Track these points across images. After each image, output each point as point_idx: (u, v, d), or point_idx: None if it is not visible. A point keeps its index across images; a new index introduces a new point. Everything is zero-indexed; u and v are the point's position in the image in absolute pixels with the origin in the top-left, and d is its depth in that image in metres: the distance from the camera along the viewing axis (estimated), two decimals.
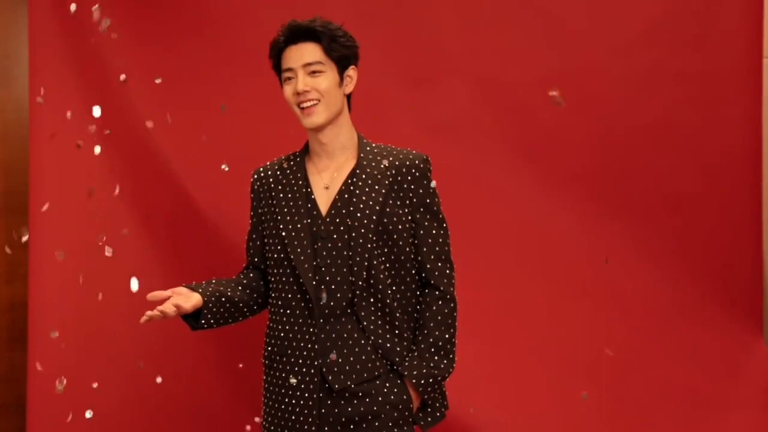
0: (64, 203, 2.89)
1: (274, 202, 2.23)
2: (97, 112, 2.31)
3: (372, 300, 2.15)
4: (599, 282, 3.09)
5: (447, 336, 2.18)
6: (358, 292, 2.13)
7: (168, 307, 2.07)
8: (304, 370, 2.15)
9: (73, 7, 2.58)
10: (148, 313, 2.06)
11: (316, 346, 2.14)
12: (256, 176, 2.32)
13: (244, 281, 2.30)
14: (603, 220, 3.09)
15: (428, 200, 2.20)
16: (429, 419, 2.22)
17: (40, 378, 2.75)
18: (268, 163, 2.32)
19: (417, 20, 3.06)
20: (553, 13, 3.09)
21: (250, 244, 2.34)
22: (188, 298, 2.13)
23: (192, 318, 2.19)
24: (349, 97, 2.26)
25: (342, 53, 2.18)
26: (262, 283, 2.32)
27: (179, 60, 2.99)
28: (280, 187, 2.24)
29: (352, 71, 2.22)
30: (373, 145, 2.25)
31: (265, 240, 2.26)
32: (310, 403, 2.13)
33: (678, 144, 3.07)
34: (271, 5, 2.90)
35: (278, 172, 2.27)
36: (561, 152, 3.10)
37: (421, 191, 2.19)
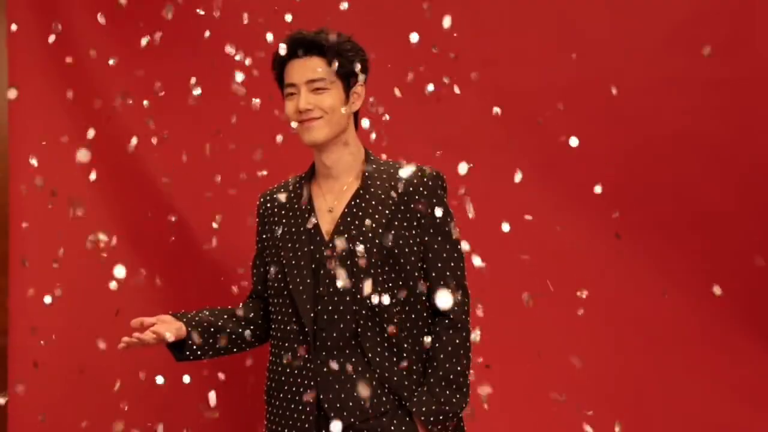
0: (44, 205, 2.87)
1: (276, 227, 2.20)
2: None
3: (378, 330, 2.07)
4: (619, 305, 3.02)
5: (459, 368, 2.09)
6: (362, 322, 2.07)
7: (147, 335, 2.04)
8: (299, 407, 2.10)
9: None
10: (125, 339, 2.04)
11: (315, 381, 2.08)
12: (261, 200, 2.31)
13: (241, 313, 2.25)
14: (624, 238, 2.99)
15: (438, 220, 2.12)
16: None
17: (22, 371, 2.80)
18: (274, 186, 2.30)
19: (427, 27, 2.89)
20: (571, 19, 3.04)
21: (254, 270, 2.32)
22: (171, 327, 2.09)
23: (177, 348, 2.14)
24: (356, 114, 2.21)
25: (349, 69, 2.13)
26: (262, 314, 2.28)
27: (170, 69, 2.94)
28: (283, 212, 2.21)
29: (359, 88, 2.18)
30: (381, 161, 2.21)
31: (268, 267, 2.22)
32: None
33: (705, 157, 3.00)
34: (274, 18, 2.77)
35: (283, 196, 2.24)
36: (579, 166, 3.04)
37: (430, 210, 2.12)
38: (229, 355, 2.22)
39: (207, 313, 2.20)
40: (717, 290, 2.49)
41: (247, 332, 2.23)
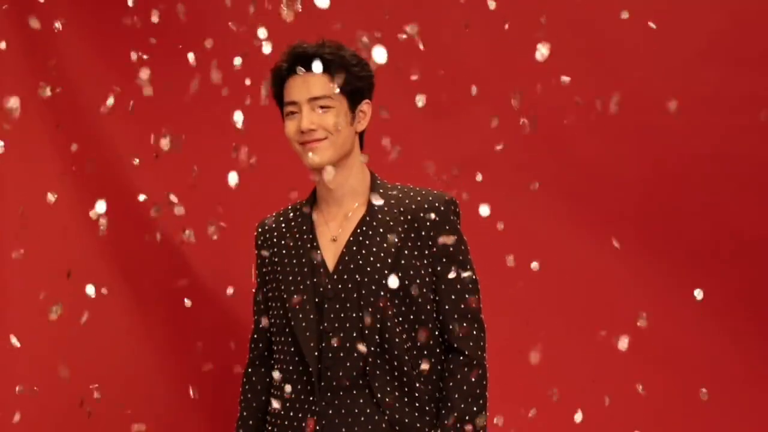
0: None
1: (276, 259, 2.13)
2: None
3: (387, 368, 2.01)
4: (646, 338, 2.83)
5: (475, 408, 2.01)
6: (370, 359, 2.00)
7: None
8: None
9: None
10: None
11: (321, 425, 2.02)
12: (260, 229, 2.22)
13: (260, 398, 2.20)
14: (652, 267, 2.96)
15: (452, 249, 2.04)
16: None
17: None
18: (273, 214, 2.21)
19: (440, 40, 2.90)
20: (598, 31, 2.97)
21: (256, 308, 2.22)
22: None
23: None
24: (361, 135, 2.13)
25: (355, 86, 2.05)
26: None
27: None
28: (283, 242, 2.13)
29: (365, 106, 2.09)
30: (389, 186, 2.12)
31: (269, 303, 2.15)
32: None
33: (741, 179, 2.91)
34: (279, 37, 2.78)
35: (282, 224, 2.17)
36: (604, 190, 2.98)
37: (442, 238, 2.03)
38: None
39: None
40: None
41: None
